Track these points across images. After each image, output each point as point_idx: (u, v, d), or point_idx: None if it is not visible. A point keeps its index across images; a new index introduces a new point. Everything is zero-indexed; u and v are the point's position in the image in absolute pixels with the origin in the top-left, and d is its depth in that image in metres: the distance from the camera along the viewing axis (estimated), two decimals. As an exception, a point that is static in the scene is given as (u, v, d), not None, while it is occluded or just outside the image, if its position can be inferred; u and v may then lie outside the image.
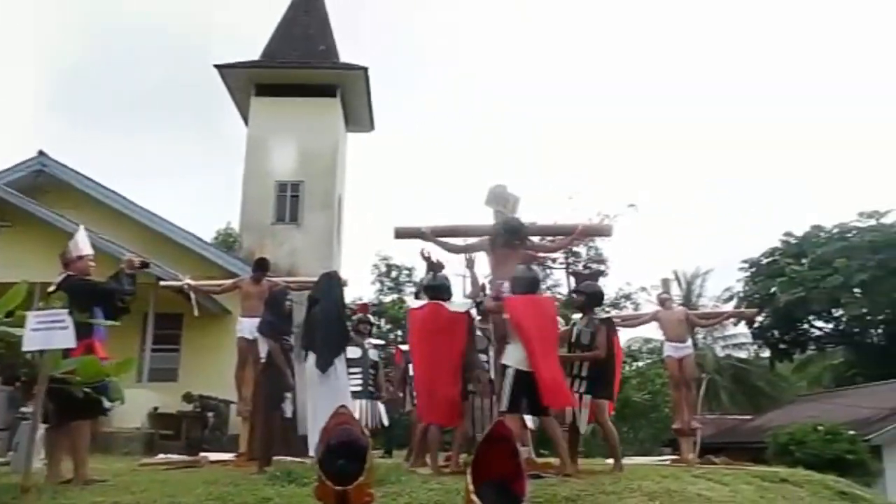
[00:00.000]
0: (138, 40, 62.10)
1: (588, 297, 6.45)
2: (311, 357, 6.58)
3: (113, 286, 5.22)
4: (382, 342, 9.78)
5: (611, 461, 6.36)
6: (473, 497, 2.50)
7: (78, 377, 4.15)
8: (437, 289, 6.18)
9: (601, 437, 6.62)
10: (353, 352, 7.95)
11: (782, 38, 65.20)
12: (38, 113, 58.60)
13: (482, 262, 6.72)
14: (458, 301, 6.20)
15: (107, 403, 4.74)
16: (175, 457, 8.28)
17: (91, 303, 4.98)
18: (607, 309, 21.16)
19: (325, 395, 6.44)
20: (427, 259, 6.56)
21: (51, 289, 5.10)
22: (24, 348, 4.19)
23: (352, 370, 7.91)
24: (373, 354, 8.69)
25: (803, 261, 24.34)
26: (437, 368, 5.83)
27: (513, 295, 5.83)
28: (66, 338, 4.13)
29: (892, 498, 13.16)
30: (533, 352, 5.53)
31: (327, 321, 6.62)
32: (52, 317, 4.15)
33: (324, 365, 6.51)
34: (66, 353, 4.25)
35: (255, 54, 20.36)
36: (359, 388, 8.02)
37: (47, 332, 4.11)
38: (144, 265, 5.80)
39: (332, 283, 6.90)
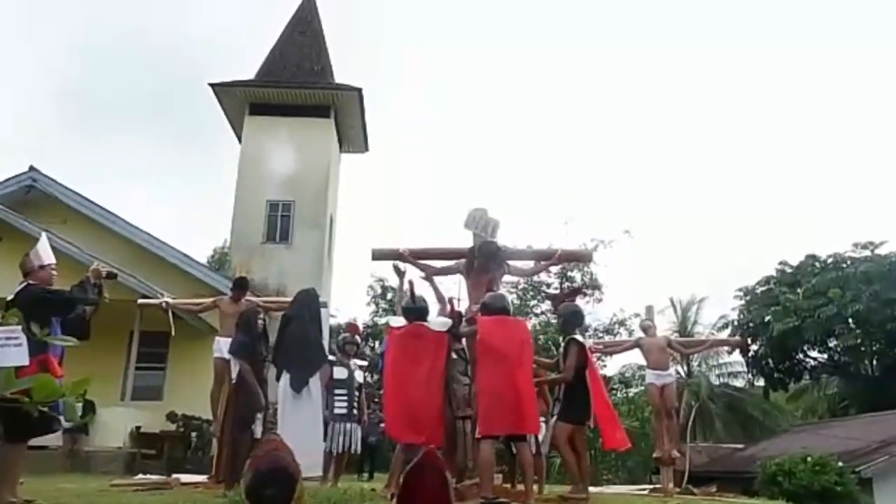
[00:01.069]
0: (138, 57, 62.47)
1: (563, 319, 6.38)
2: (285, 377, 6.49)
3: (76, 294, 5.07)
4: (365, 363, 9.64)
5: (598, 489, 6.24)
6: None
7: (28, 398, 4.00)
8: (419, 311, 6.13)
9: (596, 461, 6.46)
10: (339, 372, 7.83)
11: (781, 65, 65.66)
12: (35, 127, 58.76)
13: (449, 281, 6.70)
14: (438, 320, 6.14)
15: (65, 423, 4.60)
16: (148, 477, 8.15)
17: (51, 312, 4.85)
18: (600, 334, 20.98)
19: (297, 416, 6.36)
20: (400, 274, 6.51)
21: (9, 297, 4.97)
22: (-22, 366, 4.09)
23: (338, 392, 7.78)
24: (358, 376, 8.57)
25: (798, 290, 24.27)
26: (420, 387, 5.74)
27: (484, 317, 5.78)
28: (19, 355, 4.03)
29: (883, 532, 12.99)
30: (481, 374, 5.49)
31: (303, 340, 6.54)
32: (6, 333, 4.05)
33: (298, 385, 6.42)
34: (18, 369, 4.13)
35: (251, 73, 20.42)
36: (344, 411, 7.86)
37: (0, 350, 4.01)
38: (111, 275, 5.66)
39: (308, 302, 6.81)
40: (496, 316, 5.75)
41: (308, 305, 6.61)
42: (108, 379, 13.35)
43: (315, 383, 6.57)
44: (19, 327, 4.09)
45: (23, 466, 5.02)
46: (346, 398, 7.89)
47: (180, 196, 57.88)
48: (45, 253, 5.26)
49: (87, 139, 60.71)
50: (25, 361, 4.12)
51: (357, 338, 8.86)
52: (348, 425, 7.87)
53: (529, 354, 5.81)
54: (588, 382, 6.07)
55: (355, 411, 8.27)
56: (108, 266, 5.62)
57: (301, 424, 6.29)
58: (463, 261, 6.61)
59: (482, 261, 6.42)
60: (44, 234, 5.63)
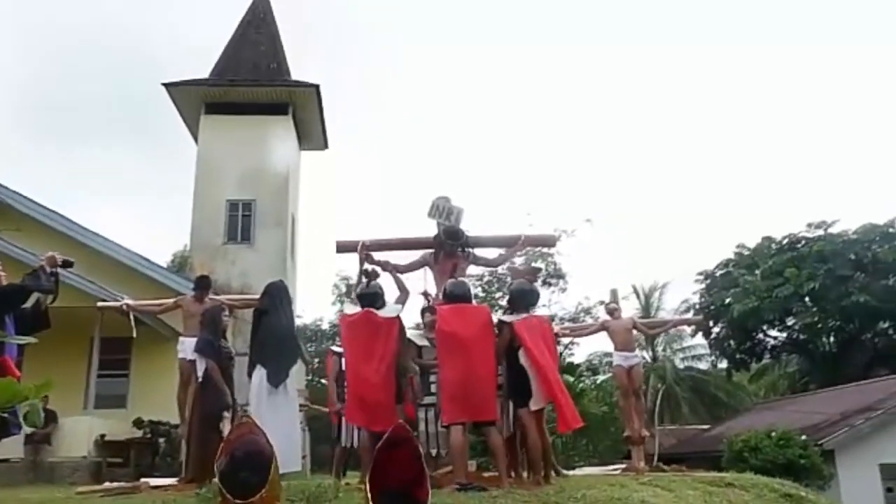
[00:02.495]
0: (91, 59, 61.13)
1: (510, 296, 6.31)
2: (260, 371, 6.42)
3: (28, 283, 4.92)
4: None
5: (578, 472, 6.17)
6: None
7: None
8: (370, 297, 6.06)
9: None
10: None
11: (745, 48, 66.79)
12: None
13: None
14: (389, 307, 6.11)
15: (27, 429, 4.49)
16: (114, 484, 7.97)
17: (5, 307, 4.72)
18: (566, 323, 21.14)
19: (274, 413, 6.29)
20: (362, 261, 6.51)
21: None
22: (-67, 371, 3.99)
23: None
24: None
25: (756, 272, 24.83)
26: (371, 373, 5.69)
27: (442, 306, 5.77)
28: (-25, 358, 3.95)
29: (845, 501, 13.35)
30: (441, 363, 5.47)
31: (277, 334, 6.48)
32: (-39, 338, 3.96)
33: (276, 380, 6.36)
34: (-25, 373, 4.04)
35: (206, 72, 20.09)
36: None
37: (-44, 354, 3.92)
38: (68, 263, 5.49)
39: (279, 294, 6.74)
40: (455, 304, 5.74)
41: (279, 298, 6.54)
42: (70, 387, 13.04)
43: (291, 378, 6.51)
44: (-26, 330, 4.00)
45: None
46: None
47: (138, 203, 56.87)
48: None
49: (40, 146, 59.26)
50: (-18, 364, 4.04)
51: None
52: None
53: (490, 341, 5.73)
54: (526, 363, 5.78)
55: None
56: (63, 255, 5.43)
57: (278, 421, 6.23)
58: (429, 251, 6.59)
59: (446, 244, 6.41)
60: None
